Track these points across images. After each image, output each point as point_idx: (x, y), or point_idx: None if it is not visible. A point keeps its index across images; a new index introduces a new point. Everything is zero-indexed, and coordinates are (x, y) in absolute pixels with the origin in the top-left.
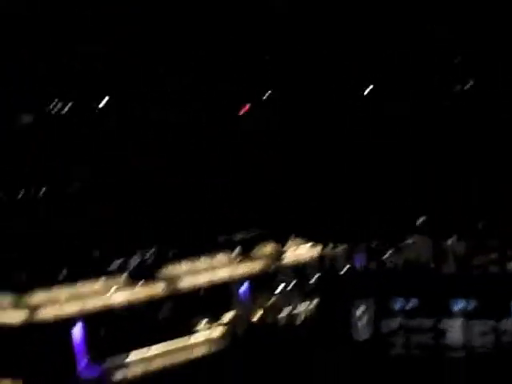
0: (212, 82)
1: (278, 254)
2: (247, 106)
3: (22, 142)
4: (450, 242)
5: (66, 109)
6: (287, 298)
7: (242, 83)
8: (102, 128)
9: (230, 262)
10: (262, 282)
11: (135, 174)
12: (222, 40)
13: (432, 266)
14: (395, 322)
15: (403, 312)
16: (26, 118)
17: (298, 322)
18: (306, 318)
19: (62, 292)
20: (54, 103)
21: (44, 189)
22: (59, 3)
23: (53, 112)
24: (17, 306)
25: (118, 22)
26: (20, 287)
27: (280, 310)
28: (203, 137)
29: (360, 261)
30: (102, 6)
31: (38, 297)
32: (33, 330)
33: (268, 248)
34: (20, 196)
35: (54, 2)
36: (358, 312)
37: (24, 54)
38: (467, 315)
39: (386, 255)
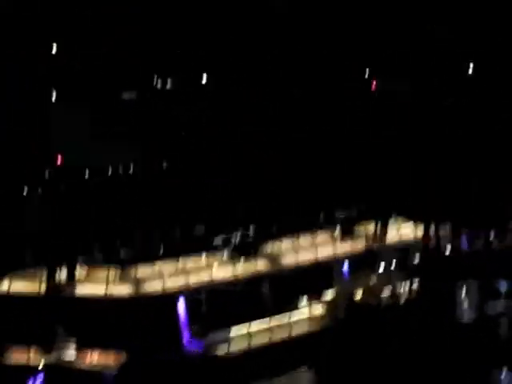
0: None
1: (381, 233)
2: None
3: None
4: None
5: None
6: (389, 278)
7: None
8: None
9: (332, 241)
10: (363, 261)
11: (237, 152)
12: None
13: None
14: (500, 305)
15: (509, 294)
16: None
17: (400, 302)
18: (408, 298)
19: (166, 266)
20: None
21: (148, 165)
22: None
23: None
24: (122, 279)
25: None
26: (125, 261)
27: (381, 290)
28: (308, 117)
29: (465, 242)
30: None
31: (143, 271)
32: (137, 303)
33: (370, 227)
34: (123, 172)
35: None
36: (463, 294)
37: None
38: None
39: (492, 236)
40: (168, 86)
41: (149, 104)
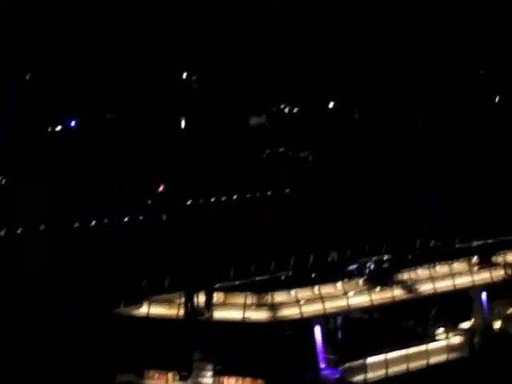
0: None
1: None
2: None
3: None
4: None
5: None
6: None
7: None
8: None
9: (469, 270)
10: (501, 291)
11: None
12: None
13: None
14: None
15: None
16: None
17: None
18: None
19: (302, 293)
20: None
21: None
22: None
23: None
24: (260, 304)
25: None
26: (263, 287)
27: None
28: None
29: None
30: None
31: (279, 297)
32: (274, 328)
33: (510, 256)
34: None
35: None
36: None
37: None
38: None
39: None
40: None
41: None
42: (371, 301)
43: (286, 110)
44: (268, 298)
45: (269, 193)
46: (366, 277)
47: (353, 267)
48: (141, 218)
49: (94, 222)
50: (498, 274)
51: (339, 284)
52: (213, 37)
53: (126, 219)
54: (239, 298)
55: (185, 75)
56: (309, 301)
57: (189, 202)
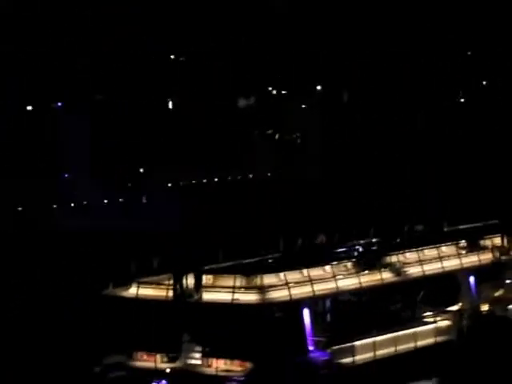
0: None
1: (508, 246)
2: None
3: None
4: None
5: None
6: None
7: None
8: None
9: (457, 253)
10: (490, 274)
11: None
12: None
13: None
14: None
15: None
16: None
17: None
18: None
19: (291, 275)
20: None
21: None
22: None
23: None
24: (249, 287)
25: None
26: (252, 269)
27: (508, 304)
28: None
29: None
30: None
31: (268, 279)
32: (263, 310)
33: (497, 239)
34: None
35: None
36: None
37: None
38: None
39: None
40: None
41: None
42: (360, 283)
43: (275, 93)
44: (257, 281)
45: (255, 175)
46: (354, 259)
47: (341, 250)
48: (128, 199)
49: (82, 203)
50: (486, 257)
51: (328, 267)
52: (207, 26)
53: (114, 200)
54: (228, 281)
55: (173, 57)
56: (298, 283)
57: (177, 184)
